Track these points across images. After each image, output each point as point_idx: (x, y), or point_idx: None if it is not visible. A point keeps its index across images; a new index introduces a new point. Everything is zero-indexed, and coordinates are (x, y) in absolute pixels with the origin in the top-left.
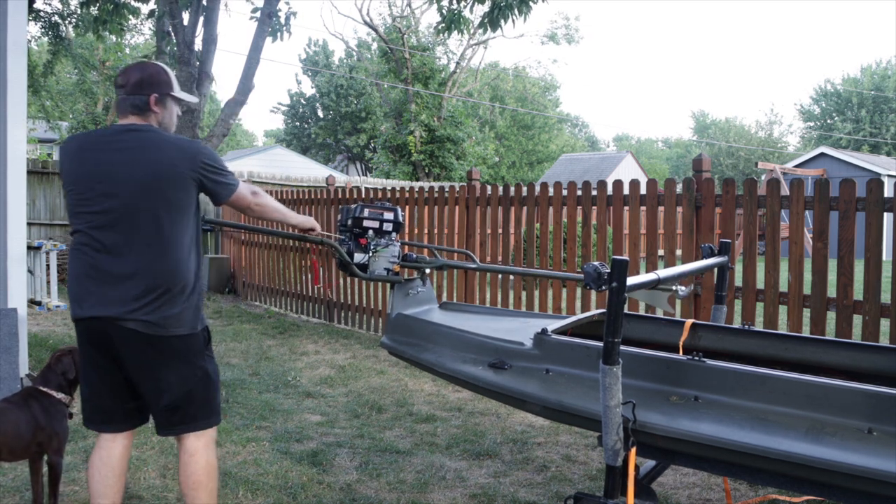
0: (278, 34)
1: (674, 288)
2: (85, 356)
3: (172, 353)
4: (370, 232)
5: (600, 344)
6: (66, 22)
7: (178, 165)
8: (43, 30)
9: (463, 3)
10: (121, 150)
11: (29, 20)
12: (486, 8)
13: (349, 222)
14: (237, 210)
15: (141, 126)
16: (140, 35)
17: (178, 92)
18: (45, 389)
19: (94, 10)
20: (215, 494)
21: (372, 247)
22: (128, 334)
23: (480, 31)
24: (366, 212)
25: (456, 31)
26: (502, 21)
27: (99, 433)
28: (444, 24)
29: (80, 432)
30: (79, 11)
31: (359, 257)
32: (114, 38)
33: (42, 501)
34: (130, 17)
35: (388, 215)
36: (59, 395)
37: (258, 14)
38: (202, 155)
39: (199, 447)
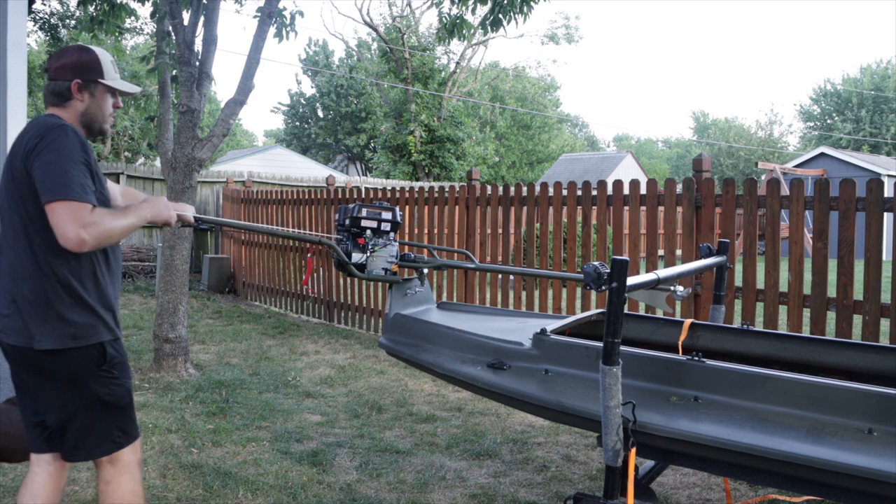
0: (283, 33)
1: (672, 288)
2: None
3: (46, 371)
4: (368, 232)
5: (599, 344)
6: (64, 24)
7: (21, 151)
8: (41, 31)
9: (464, 7)
10: (15, 142)
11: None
12: (487, 8)
13: (347, 222)
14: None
15: (40, 116)
16: (140, 35)
17: (112, 80)
18: None
19: (90, 10)
20: None
21: (370, 246)
22: (5, 349)
23: (481, 31)
24: (364, 211)
25: (458, 38)
26: (504, 21)
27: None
28: (445, 31)
29: None
30: (77, 13)
31: (357, 257)
32: (110, 38)
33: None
34: (128, 18)
35: (387, 215)
36: None
37: (259, 13)
38: (36, 144)
39: (116, 474)
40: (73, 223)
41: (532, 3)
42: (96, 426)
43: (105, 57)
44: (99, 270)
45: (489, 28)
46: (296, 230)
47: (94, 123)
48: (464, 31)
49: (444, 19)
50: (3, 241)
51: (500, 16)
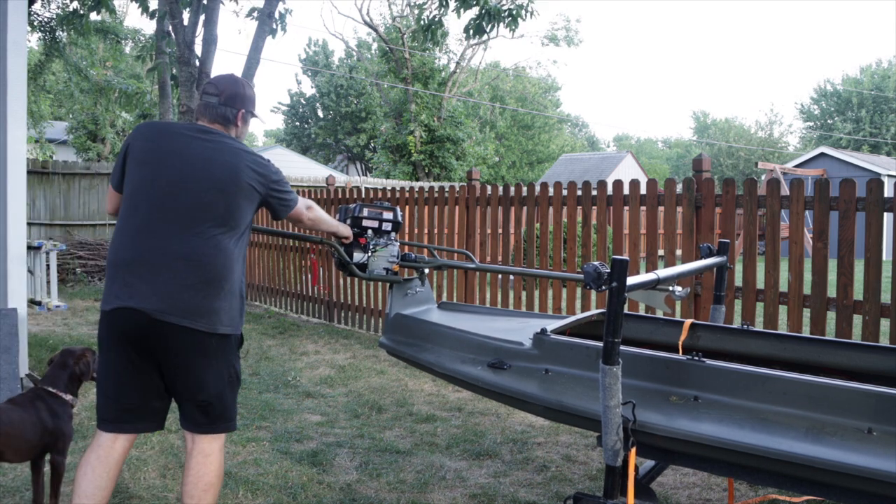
0: (272, 32)
1: (670, 289)
2: (116, 352)
3: (215, 350)
4: (369, 231)
5: (600, 344)
6: (63, 27)
7: (252, 179)
8: (39, 33)
9: (442, 10)
10: (203, 148)
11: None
12: (474, 13)
13: (348, 221)
14: (292, 223)
15: (223, 134)
16: (140, 38)
17: (256, 111)
18: (52, 390)
19: (80, 6)
20: (217, 499)
21: (371, 246)
22: (175, 328)
23: (464, 35)
24: (365, 211)
25: (431, 41)
26: (487, 28)
27: (101, 433)
28: (420, 31)
29: (80, 432)
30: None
31: (358, 257)
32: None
33: (42, 501)
34: (113, 14)
35: (388, 215)
36: (67, 396)
37: (259, 14)
38: (273, 174)
39: (215, 450)
40: (304, 210)
41: (519, 20)
42: (233, 401)
43: (255, 91)
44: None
45: (472, 33)
46: (296, 230)
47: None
48: (438, 34)
49: (422, 21)
50: (187, 235)
51: (483, 23)
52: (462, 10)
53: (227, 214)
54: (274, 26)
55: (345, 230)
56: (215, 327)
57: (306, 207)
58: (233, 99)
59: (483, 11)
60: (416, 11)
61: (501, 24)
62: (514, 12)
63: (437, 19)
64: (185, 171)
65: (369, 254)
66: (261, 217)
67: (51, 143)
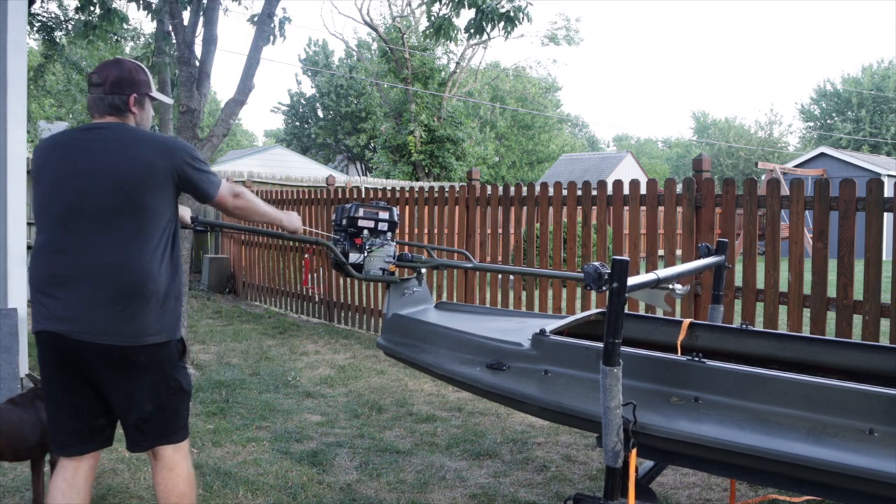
0: (271, 37)
1: (671, 287)
2: (48, 374)
3: (145, 363)
4: (365, 231)
5: (599, 344)
6: (61, 27)
7: (157, 163)
8: (38, 33)
9: (449, 9)
10: (94, 149)
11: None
12: (472, 13)
13: (344, 221)
14: (220, 211)
15: (114, 124)
16: (139, 39)
17: (155, 92)
18: None
19: (86, 16)
20: (195, 499)
21: (367, 246)
22: (95, 347)
23: (465, 36)
24: (361, 211)
25: (444, 39)
26: (487, 28)
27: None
28: (432, 30)
29: None
30: (76, 16)
31: (354, 257)
32: (112, 41)
33: (42, 501)
34: (123, 24)
35: (384, 215)
36: None
37: (258, 15)
38: (183, 151)
39: (178, 460)
40: (230, 191)
41: (516, 22)
42: (177, 413)
43: (148, 71)
44: (182, 267)
45: (472, 34)
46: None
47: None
48: (450, 32)
49: (432, 18)
50: (103, 240)
51: (483, 23)
52: (461, 9)
53: (136, 212)
54: (275, 33)
55: (289, 221)
56: (140, 339)
57: (232, 194)
58: (119, 85)
59: (479, 13)
60: (426, 10)
61: (499, 26)
62: (511, 14)
63: (447, 18)
64: (82, 177)
65: (365, 254)
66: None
67: None
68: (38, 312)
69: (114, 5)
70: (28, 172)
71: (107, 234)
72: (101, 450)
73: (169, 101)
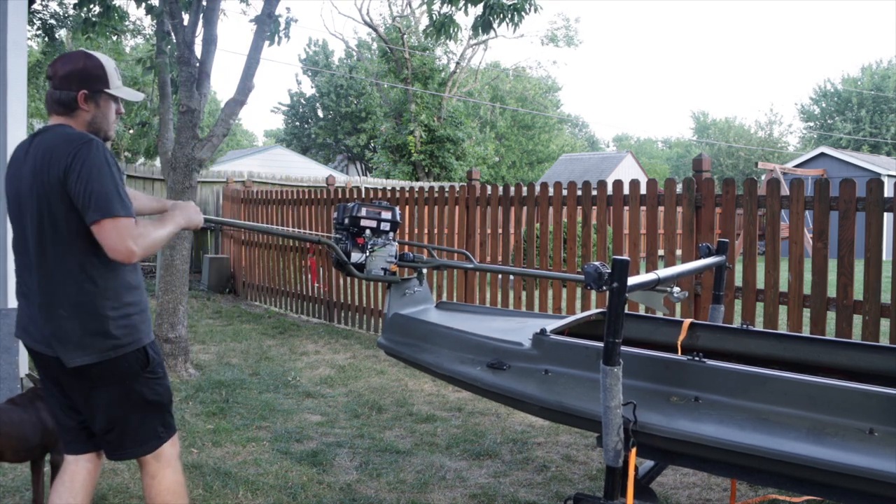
0: (276, 38)
1: (668, 289)
2: (41, 375)
3: (98, 379)
4: (367, 231)
5: (599, 344)
6: (61, 25)
7: (55, 170)
8: (38, 32)
9: (454, 7)
10: (26, 158)
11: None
12: (479, 10)
13: (346, 221)
14: (112, 255)
15: (51, 127)
16: (139, 36)
17: (116, 89)
18: None
19: (85, 12)
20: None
21: (369, 246)
22: (48, 358)
23: (472, 33)
24: (363, 211)
25: (445, 38)
26: (494, 23)
27: (65, 456)
28: (433, 29)
29: None
30: (73, 13)
31: (356, 256)
32: (100, 40)
33: (42, 501)
34: (124, 22)
35: (386, 214)
36: None
37: (258, 15)
38: (76, 159)
39: (159, 468)
40: (123, 238)
41: (523, 14)
42: (143, 425)
43: (109, 64)
44: (133, 276)
45: (480, 31)
46: (296, 230)
47: (100, 132)
48: (451, 31)
49: (433, 17)
50: (37, 257)
51: (491, 18)
52: (469, 6)
53: (54, 227)
54: (280, 34)
55: (189, 219)
56: (86, 357)
57: (130, 236)
58: (67, 79)
59: (487, 8)
60: (426, 9)
61: (507, 20)
62: (518, 5)
63: (449, 16)
64: (20, 187)
65: (367, 253)
66: (262, 217)
67: None
68: (20, 327)
69: (113, 2)
70: None
71: (40, 248)
72: (101, 453)
73: (138, 97)
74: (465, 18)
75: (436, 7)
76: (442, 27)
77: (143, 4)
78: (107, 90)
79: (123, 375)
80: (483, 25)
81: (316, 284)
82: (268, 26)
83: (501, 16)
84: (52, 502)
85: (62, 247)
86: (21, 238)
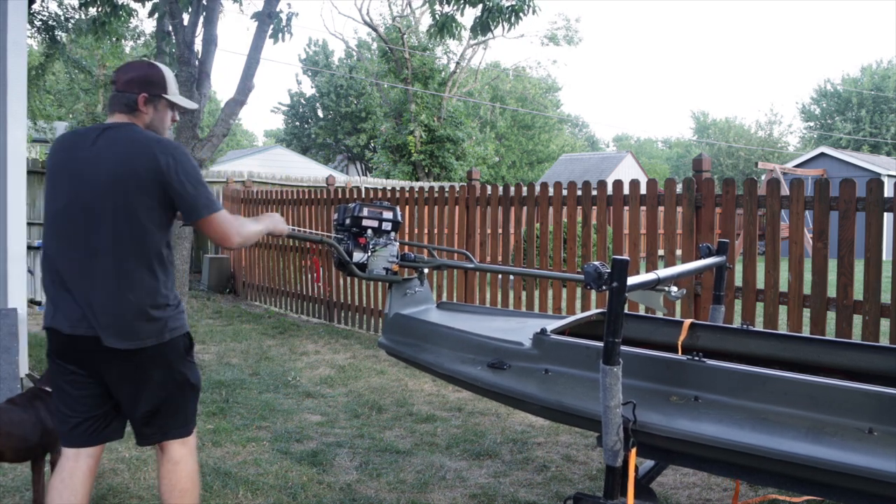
0: (279, 35)
1: (666, 289)
2: (58, 366)
3: (150, 362)
4: (369, 231)
5: (600, 344)
6: (62, 26)
7: (147, 169)
8: (38, 32)
9: (454, 7)
10: (92, 149)
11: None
12: (478, 11)
13: (347, 221)
14: (211, 240)
15: (120, 124)
16: (140, 38)
17: (173, 95)
18: (50, 390)
19: (92, 11)
20: (198, 501)
21: (371, 246)
22: (103, 348)
23: (471, 34)
24: (365, 211)
25: (448, 36)
26: (492, 25)
27: (64, 452)
28: (435, 28)
29: None
30: (77, 14)
31: (358, 256)
32: (112, 39)
33: (42, 501)
34: (130, 19)
35: (387, 214)
36: None
37: (258, 15)
38: (174, 162)
39: (185, 454)
40: (230, 228)
41: (521, 15)
42: (184, 407)
43: (169, 74)
44: (175, 271)
45: (479, 31)
46: (297, 230)
47: (156, 133)
48: (454, 30)
49: (436, 17)
50: (105, 244)
51: (489, 20)
52: (465, 7)
53: (130, 218)
54: (280, 29)
55: (274, 226)
56: (141, 341)
57: (237, 222)
58: (131, 83)
59: (485, 11)
60: (429, 9)
61: (504, 21)
62: (517, 7)
63: (450, 16)
64: (84, 178)
65: (369, 253)
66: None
67: (43, 144)
68: (51, 308)
69: (120, 1)
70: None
71: (105, 237)
72: (101, 449)
73: (193, 106)
74: (464, 19)
75: (437, 7)
76: (444, 26)
77: (146, 3)
78: (165, 95)
79: (173, 358)
80: (481, 27)
81: (318, 284)
82: (268, 26)
83: (499, 18)
84: (52, 500)
85: (140, 238)
86: (73, 226)
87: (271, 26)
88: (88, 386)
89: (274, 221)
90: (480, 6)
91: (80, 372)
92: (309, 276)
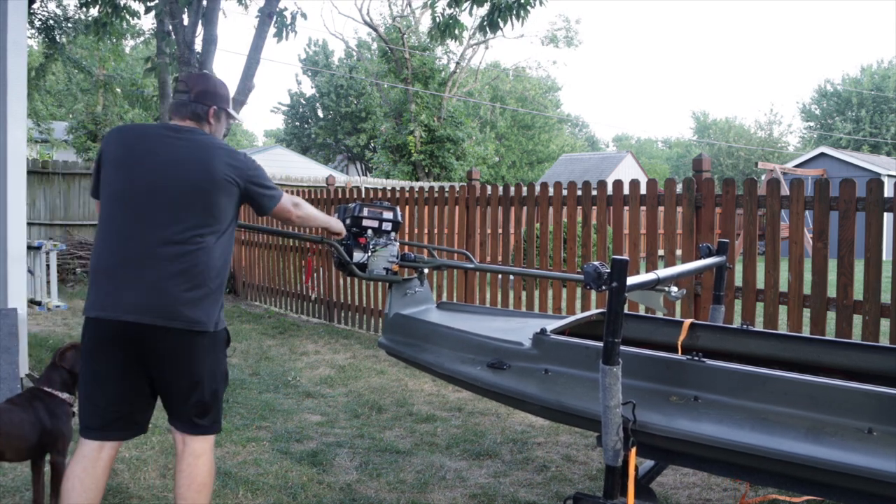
0: (283, 33)
1: (666, 289)
2: (101, 358)
3: (205, 349)
4: (369, 231)
5: (599, 344)
6: (61, 27)
7: (227, 172)
8: (38, 33)
9: (459, 9)
10: (177, 146)
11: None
12: (485, 10)
13: (347, 221)
14: (280, 220)
15: (194, 129)
16: (139, 37)
17: (232, 110)
18: (49, 390)
19: (94, 12)
20: (211, 499)
21: (371, 246)
22: (157, 332)
23: (480, 33)
24: (365, 211)
25: (449, 38)
26: (501, 23)
27: (84, 442)
28: (437, 30)
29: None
30: (78, 14)
31: (358, 256)
32: (113, 40)
33: (42, 501)
34: (131, 19)
35: (388, 214)
36: (64, 395)
37: (258, 14)
38: (250, 167)
39: (206, 450)
40: (290, 205)
41: (528, 8)
42: (220, 399)
43: (228, 89)
44: (229, 262)
45: (487, 30)
46: (296, 230)
47: None
48: (456, 31)
49: (437, 19)
50: (175, 235)
51: (499, 19)
52: (475, 7)
53: (205, 212)
54: (284, 26)
55: (337, 225)
56: (203, 326)
57: (293, 204)
58: (203, 95)
59: (494, 9)
60: (430, 12)
61: (512, 16)
62: (524, 0)
63: (453, 17)
64: (160, 171)
65: (369, 253)
66: (262, 217)
67: (44, 144)
68: (103, 298)
69: (120, 1)
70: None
71: (175, 228)
72: (123, 441)
73: (240, 120)
74: (469, 18)
75: (439, 9)
76: (446, 28)
77: (146, 3)
78: (227, 109)
79: (219, 347)
80: (490, 25)
81: (307, 284)
82: (268, 26)
83: (508, 15)
84: (72, 487)
85: (213, 232)
86: (130, 216)
87: (274, 25)
88: (133, 377)
89: (335, 221)
90: (488, 4)
91: (127, 362)
92: (309, 274)
